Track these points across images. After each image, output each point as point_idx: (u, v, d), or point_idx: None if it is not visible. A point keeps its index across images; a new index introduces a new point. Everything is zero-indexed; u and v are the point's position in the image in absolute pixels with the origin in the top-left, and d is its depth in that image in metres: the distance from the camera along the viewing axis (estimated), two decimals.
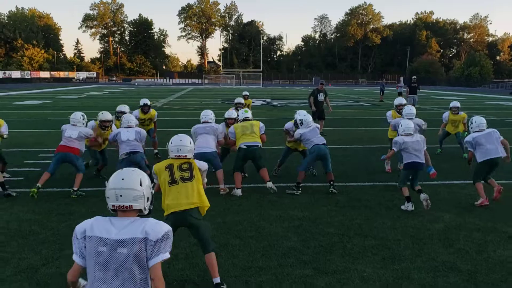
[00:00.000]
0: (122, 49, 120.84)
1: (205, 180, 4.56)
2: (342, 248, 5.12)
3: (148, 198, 2.60)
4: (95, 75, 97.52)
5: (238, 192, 7.38)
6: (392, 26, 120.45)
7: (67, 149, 7.15)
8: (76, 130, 7.30)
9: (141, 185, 2.57)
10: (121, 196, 2.50)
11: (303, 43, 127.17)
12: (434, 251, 5.06)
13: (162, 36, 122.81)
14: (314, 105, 15.20)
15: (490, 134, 7.16)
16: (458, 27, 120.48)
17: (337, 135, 14.57)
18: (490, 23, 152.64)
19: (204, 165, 4.57)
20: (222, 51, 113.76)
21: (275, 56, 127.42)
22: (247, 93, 15.14)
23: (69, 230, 5.54)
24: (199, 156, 6.69)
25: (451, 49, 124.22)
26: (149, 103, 10.31)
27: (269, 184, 7.37)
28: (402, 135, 6.85)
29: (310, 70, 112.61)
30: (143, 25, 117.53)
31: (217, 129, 7.70)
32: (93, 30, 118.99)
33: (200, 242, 4.17)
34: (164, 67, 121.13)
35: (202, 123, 7.73)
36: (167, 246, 2.49)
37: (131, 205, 2.51)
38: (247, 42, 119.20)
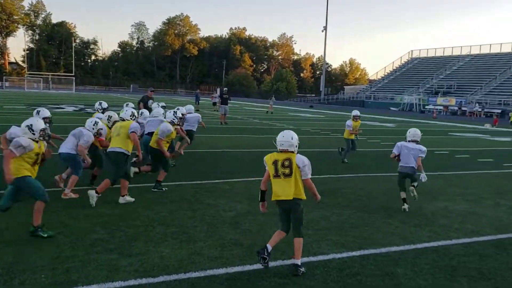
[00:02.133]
0: None
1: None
2: (146, 236, 5.76)
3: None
4: None
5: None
6: (209, 39, 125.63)
7: None
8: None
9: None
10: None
11: (120, 49, 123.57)
12: (224, 232, 6.07)
13: None
14: None
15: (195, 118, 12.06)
16: (268, 44, 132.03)
17: None
18: (295, 43, 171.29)
19: (303, 161, 4.86)
20: (27, 52, 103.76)
21: (89, 60, 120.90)
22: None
23: None
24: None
25: (263, 64, 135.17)
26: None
27: (124, 199, 7.44)
28: None
29: (128, 77, 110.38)
30: None
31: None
32: None
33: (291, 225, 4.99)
34: None
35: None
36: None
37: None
38: (57, 44, 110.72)
